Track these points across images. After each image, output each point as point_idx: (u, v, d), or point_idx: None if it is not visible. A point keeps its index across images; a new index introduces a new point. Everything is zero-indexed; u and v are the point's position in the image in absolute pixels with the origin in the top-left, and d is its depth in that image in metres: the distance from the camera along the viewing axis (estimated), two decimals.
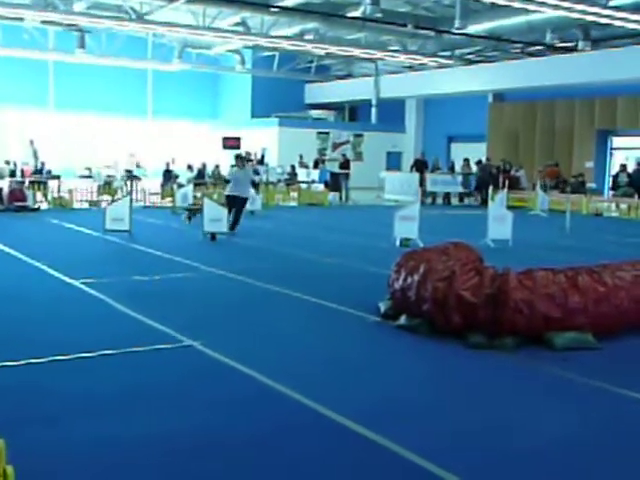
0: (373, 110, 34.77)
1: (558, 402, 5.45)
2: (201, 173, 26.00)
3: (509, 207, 17.80)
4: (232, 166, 16.70)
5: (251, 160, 27.86)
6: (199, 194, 20.81)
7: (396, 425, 4.86)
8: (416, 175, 27.02)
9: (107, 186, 23.51)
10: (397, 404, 5.32)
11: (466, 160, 28.44)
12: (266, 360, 6.26)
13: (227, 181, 15.85)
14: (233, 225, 14.87)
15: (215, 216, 14.24)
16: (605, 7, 18.35)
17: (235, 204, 14.97)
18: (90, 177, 28.05)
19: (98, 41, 30.90)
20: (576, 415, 5.18)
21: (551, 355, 6.57)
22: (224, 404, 5.22)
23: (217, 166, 26.30)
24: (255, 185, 17.95)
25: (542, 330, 6.80)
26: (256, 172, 27.06)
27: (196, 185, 22.72)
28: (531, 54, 28.05)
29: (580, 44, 23.78)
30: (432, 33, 25.28)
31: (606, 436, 4.82)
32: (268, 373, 5.80)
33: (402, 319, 7.48)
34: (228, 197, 15.12)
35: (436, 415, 5.12)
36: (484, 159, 27.92)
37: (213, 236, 14.17)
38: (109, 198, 20.85)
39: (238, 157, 15.82)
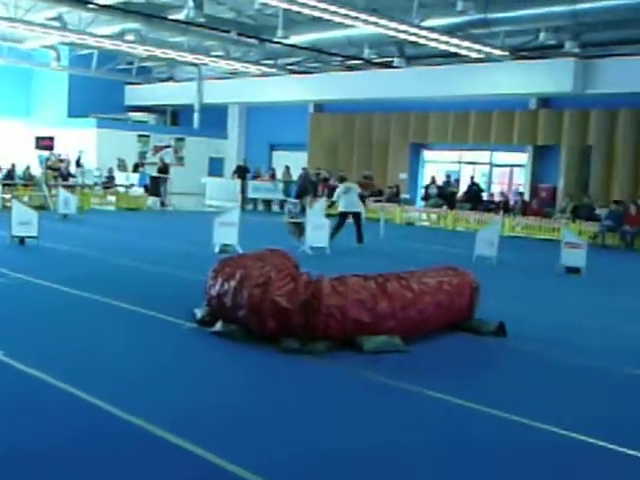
0: (196, 115, 34.45)
1: (367, 403, 5.65)
2: (10, 174, 24.53)
3: (326, 215, 18.21)
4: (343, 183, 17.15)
5: (62, 161, 26.72)
6: (8, 196, 19.68)
7: (206, 431, 4.83)
8: (237, 181, 27.18)
9: None
10: (210, 410, 5.28)
11: (287, 168, 28.93)
12: (74, 369, 6.02)
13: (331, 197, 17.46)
14: (360, 238, 16.15)
15: (24, 219, 13.51)
16: (419, 27, 19.29)
17: (356, 219, 16.30)
18: None
19: None
20: (384, 415, 5.39)
21: (362, 358, 6.80)
22: (26, 413, 4.96)
23: (28, 167, 24.91)
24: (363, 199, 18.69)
25: (354, 334, 7.03)
26: (70, 174, 26.04)
27: (5, 186, 21.45)
28: (350, 68, 28.93)
29: (396, 61, 24.83)
30: (255, 41, 25.43)
31: (412, 434, 5.05)
32: (76, 382, 5.57)
33: (218, 325, 7.46)
34: (346, 214, 16.38)
35: (247, 419, 5.13)
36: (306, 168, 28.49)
37: (21, 240, 13.45)
38: None
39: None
